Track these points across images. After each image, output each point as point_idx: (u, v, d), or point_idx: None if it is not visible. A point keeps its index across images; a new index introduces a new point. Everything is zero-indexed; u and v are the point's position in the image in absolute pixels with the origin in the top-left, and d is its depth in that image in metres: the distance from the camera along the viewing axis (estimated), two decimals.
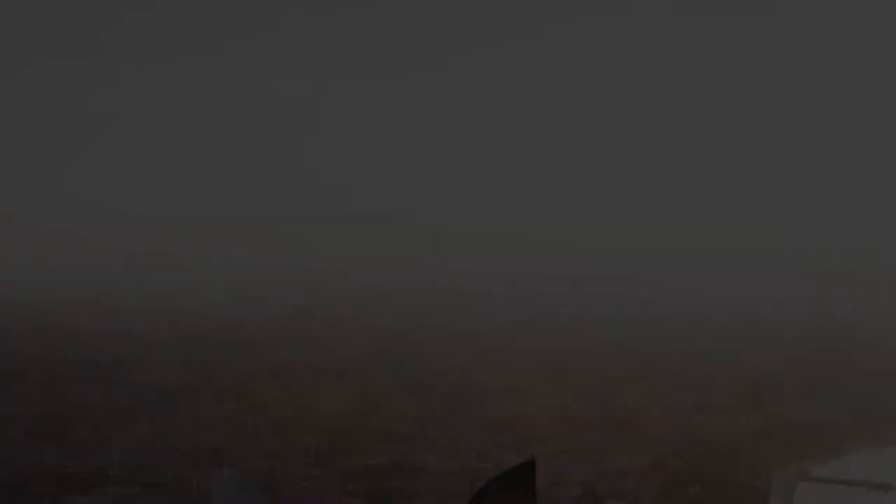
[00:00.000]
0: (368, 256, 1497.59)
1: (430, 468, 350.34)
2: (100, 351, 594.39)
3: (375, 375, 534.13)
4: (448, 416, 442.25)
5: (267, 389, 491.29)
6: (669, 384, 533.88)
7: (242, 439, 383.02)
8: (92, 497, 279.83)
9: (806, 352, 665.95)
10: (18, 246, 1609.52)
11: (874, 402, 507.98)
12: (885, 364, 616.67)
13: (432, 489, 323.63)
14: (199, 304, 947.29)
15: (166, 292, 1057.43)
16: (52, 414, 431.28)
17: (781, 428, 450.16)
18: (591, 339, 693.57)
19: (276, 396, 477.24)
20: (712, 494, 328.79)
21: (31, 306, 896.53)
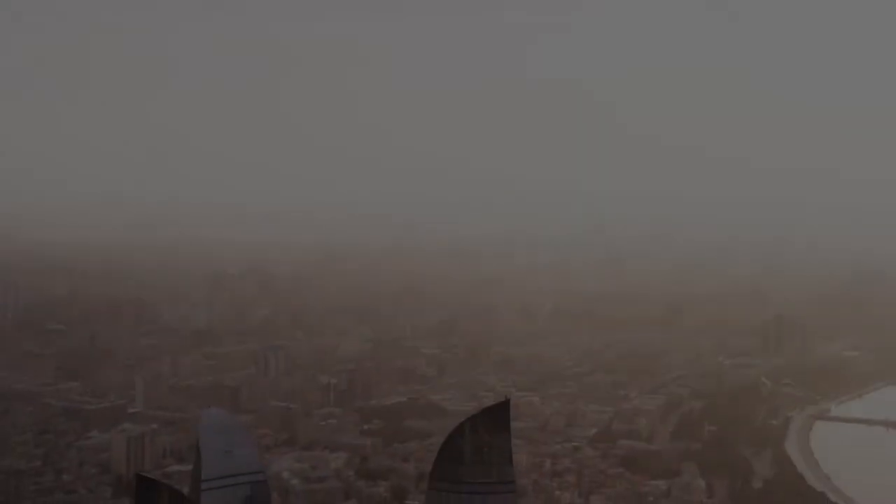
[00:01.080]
0: (394, 199, 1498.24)
1: (447, 408, 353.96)
2: (127, 292, 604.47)
3: (397, 318, 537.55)
4: (468, 358, 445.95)
5: (289, 331, 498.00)
6: (692, 327, 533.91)
7: (263, 379, 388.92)
8: (114, 433, 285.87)
9: (832, 291, 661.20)
10: (48, 185, 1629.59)
11: None
12: None
13: (448, 428, 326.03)
14: (224, 246, 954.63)
15: (193, 236, 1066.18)
16: (78, 353, 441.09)
17: (802, 368, 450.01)
18: (613, 283, 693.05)
19: (297, 337, 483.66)
20: (728, 434, 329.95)
21: (62, 247, 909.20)
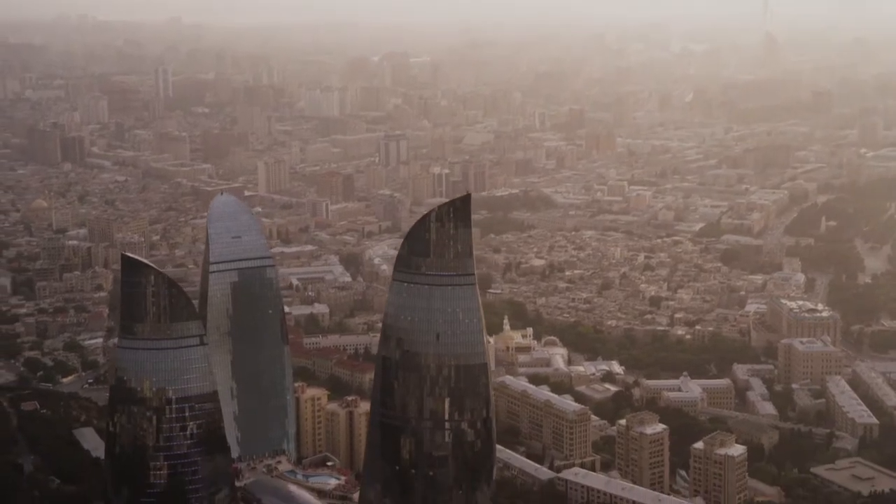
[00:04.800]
0: None
1: (557, 201, 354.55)
2: (265, 77, 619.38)
3: (527, 108, 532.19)
4: (591, 150, 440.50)
5: (416, 120, 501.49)
6: (840, 116, 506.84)
7: (381, 168, 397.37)
8: None
9: None
10: None
11: None
12: None
13: (552, 220, 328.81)
14: (367, 31, 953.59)
15: (334, 22, 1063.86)
16: (216, 136, 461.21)
17: None
18: (766, 71, 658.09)
19: (423, 126, 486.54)
20: (847, 229, 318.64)
21: (208, 33, 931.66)
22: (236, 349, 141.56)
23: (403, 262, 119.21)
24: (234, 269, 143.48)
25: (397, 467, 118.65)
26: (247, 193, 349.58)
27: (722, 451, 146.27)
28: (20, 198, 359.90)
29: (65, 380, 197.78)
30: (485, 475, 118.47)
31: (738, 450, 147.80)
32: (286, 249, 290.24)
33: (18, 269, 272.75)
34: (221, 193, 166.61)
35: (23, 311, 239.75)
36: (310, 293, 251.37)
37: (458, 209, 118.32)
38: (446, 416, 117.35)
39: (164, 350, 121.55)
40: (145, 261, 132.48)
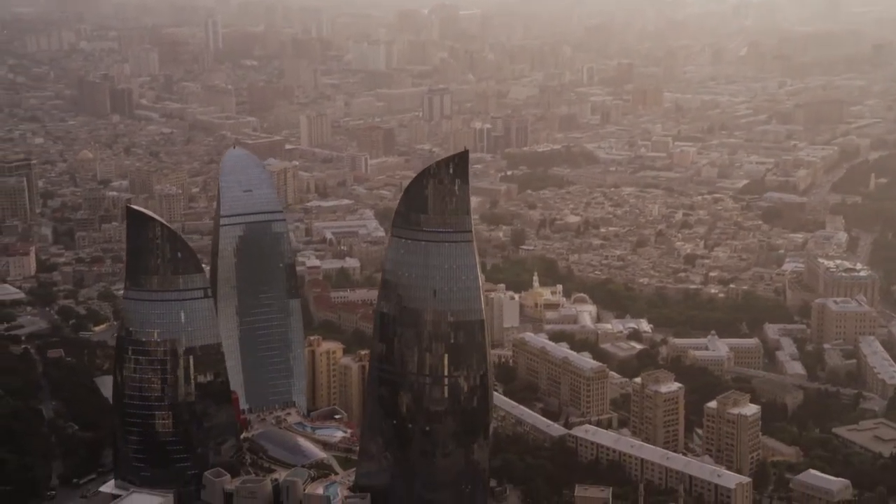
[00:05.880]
0: None
1: (599, 157, 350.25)
2: (314, 30, 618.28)
3: (575, 62, 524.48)
4: (637, 105, 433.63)
5: (462, 74, 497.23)
6: (893, 70, 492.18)
7: (424, 123, 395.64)
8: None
9: None
10: None
11: None
12: None
13: (592, 176, 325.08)
14: None
15: None
16: (262, 89, 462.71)
17: None
18: (824, 23, 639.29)
19: (468, 81, 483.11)
20: (894, 187, 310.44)
21: None
22: (245, 302, 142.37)
23: (401, 219, 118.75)
24: (245, 222, 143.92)
25: (395, 421, 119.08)
26: (288, 147, 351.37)
27: (735, 411, 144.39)
28: (69, 148, 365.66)
29: (96, 328, 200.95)
30: (481, 430, 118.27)
31: (751, 409, 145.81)
32: (323, 203, 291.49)
33: (61, 218, 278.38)
34: (234, 147, 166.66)
35: (61, 259, 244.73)
36: (342, 247, 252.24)
37: (457, 166, 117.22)
38: (444, 372, 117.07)
39: (169, 302, 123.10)
40: (151, 213, 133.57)
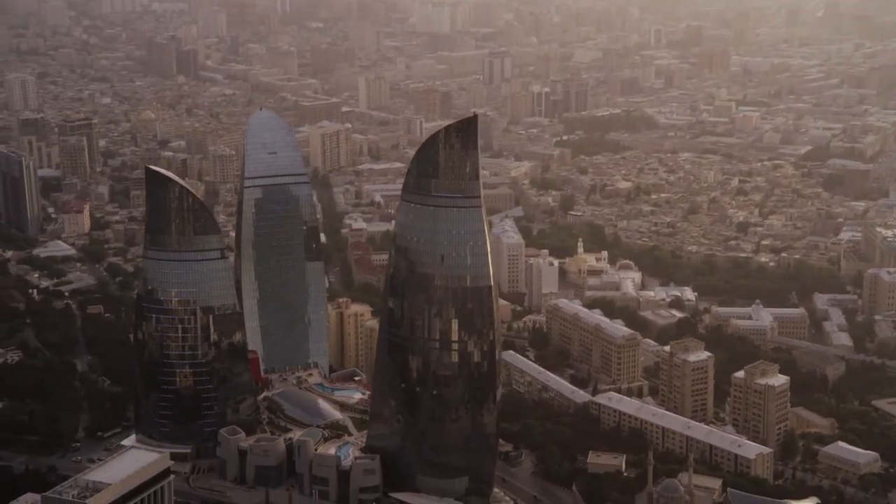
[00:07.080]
0: None
1: (659, 122, 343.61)
2: None
3: (643, 24, 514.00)
4: (703, 68, 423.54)
5: (524, 37, 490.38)
6: None
7: (483, 86, 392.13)
8: (311, 129, 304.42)
9: None
10: None
11: None
12: None
13: (650, 142, 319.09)
14: None
15: None
16: (325, 51, 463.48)
17: None
18: None
19: (530, 44, 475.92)
20: None
21: None
22: (266, 264, 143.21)
23: (411, 183, 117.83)
24: (268, 184, 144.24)
25: (404, 385, 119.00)
26: (344, 109, 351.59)
27: (762, 381, 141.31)
28: (133, 108, 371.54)
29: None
30: (490, 394, 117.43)
31: (779, 380, 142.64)
32: (374, 166, 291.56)
33: (119, 177, 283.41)
34: (261, 109, 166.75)
35: (115, 218, 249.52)
36: (389, 210, 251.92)
37: (466, 131, 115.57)
38: (452, 337, 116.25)
39: (187, 262, 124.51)
40: (170, 174, 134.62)
